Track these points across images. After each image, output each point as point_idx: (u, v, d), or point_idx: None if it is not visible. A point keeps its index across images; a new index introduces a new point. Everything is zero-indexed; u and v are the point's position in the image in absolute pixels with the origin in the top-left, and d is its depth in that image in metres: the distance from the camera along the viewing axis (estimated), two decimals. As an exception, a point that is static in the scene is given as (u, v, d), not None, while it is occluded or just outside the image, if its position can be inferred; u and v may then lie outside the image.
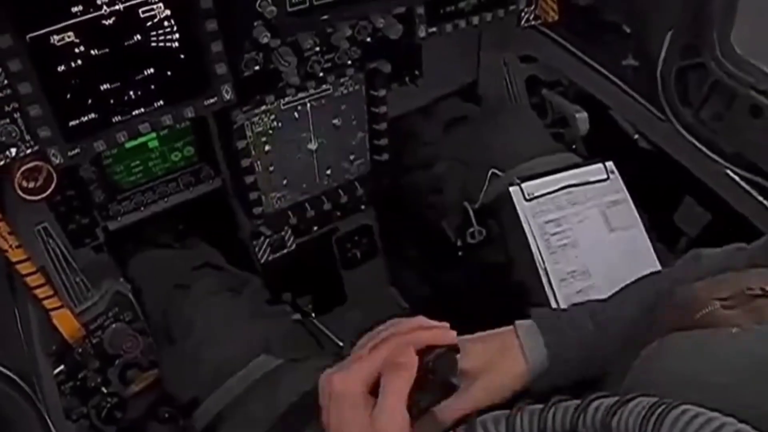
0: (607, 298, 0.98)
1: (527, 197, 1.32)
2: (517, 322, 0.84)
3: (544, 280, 1.30)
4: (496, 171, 1.37)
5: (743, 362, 0.59)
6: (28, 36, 0.91)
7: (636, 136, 1.53)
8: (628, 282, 1.08)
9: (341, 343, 1.33)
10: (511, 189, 1.31)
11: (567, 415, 0.65)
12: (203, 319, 1.25)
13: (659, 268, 1.32)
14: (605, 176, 1.39)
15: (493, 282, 1.40)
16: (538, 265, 1.31)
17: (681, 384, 0.60)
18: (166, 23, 1.03)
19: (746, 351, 0.60)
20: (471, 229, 1.40)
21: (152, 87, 1.06)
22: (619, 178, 1.41)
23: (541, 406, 0.68)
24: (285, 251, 1.40)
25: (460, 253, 1.45)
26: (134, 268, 1.24)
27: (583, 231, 1.36)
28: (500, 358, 0.83)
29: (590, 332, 0.84)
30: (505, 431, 0.69)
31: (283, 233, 1.38)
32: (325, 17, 1.16)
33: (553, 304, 1.28)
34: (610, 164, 1.40)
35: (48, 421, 0.91)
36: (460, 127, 1.57)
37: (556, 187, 1.35)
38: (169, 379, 1.20)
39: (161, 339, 1.22)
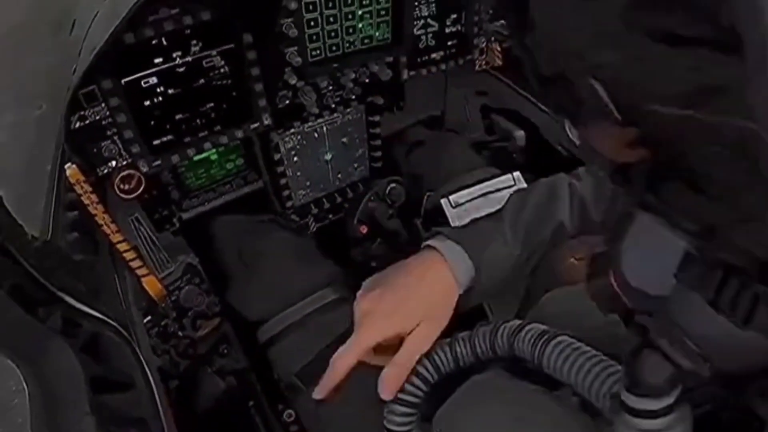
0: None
1: (453, 206, 1.30)
2: (436, 243, 0.69)
3: None
4: (431, 193, 1.32)
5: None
6: (123, 80, 0.93)
7: (560, 148, 1.54)
8: None
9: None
10: (442, 201, 1.29)
11: (486, 337, 0.64)
12: (274, 250, 1.20)
13: None
14: (513, 183, 1.36)
15: None
16: None
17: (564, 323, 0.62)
18: (222, 70, 1.03)
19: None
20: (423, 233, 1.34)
21: (212, 116, 1.06)
22: (525, 183, 1.36)
23: (468, 332, 0.67)
24: (309, 232, 1.38)
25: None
26: (217, 233, 1.21)
27: None
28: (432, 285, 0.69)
29: (507, 238, 0.75)
30: (450, 355, 0.67)
31: (307, 220, 1.36)
32: (336, 65, 1.16)
33: None
34: (516, 174, 1.36)
35: (141, 356, 0.90)
36: (417, 149, 1.53)
37: (475, 196, 1.32)
38: (241, 301, 1.15)
39: (238, 271, 1.18)
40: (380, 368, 0.72)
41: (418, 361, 0.65)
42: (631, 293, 0.47)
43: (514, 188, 1.27)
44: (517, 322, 0.64)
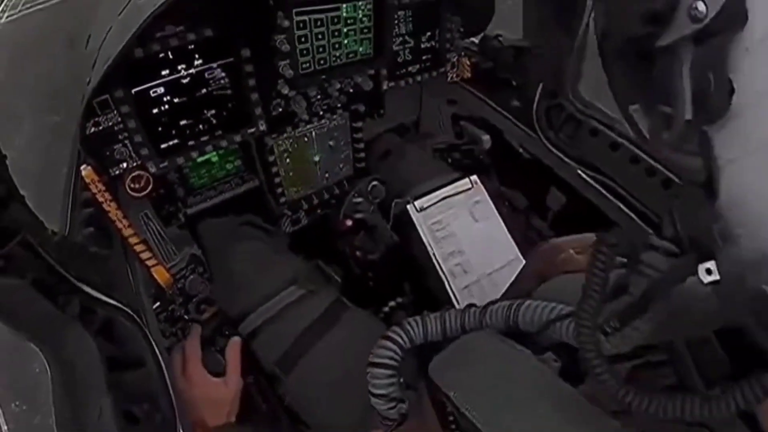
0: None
1: (418, 209, 1.30)
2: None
3: (434, 259, 1.28)
4: (398, 200, 1.33)
5: None
6: (133, 90, 0.94)
7: (521, 150, 1.56)
8: (492, 251, 1.26)
9: (339, 279, 1.32)
10: (408, 206, 1.29)
11: (457, 315, 0.67)
12: (248, 253, 1.20)
13: (511, 241, 1.34)
14: (470, 186, 1.37)
15: (403, 262, 1.39)
16: (429, 250, 1.28)
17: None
18: (222, 81, 1.04)
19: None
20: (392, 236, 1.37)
21: (213, 122, 1.06)
22: (481, 186, 1.38)
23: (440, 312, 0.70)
24: (300, 225, 1.38)
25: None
26: (203, 238, 1.20)
27: (457, 224, 1.33)
28: None
29: None
30: (420, 327, 0.70)
31: (299, 213, 1.37)
32: (324, 77, 1.17)
33: (441, 274, 1.25)
34: (474, 177, 1.38)
35: (150, 338, 0.90)
36: (387, 158, 1.53)
37: (437, 200, 1.33)
38: (223, 296, 1.16)
39: (219, 272, 1.17)
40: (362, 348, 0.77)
41: (392, 330, 0.70)
42: None
43: (472, 191, 1.35)
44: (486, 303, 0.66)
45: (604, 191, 1.34)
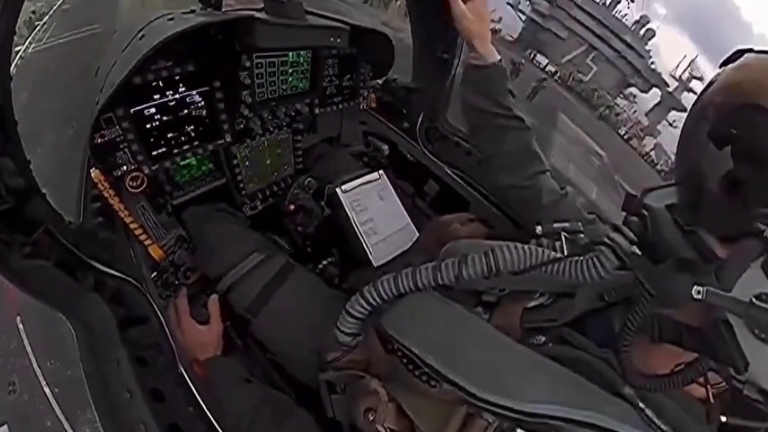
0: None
1: (344, 192, 1.39)
2: None
3: (354, 225, 1.35)
4: (330, 185, 1.40)
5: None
6: (132, 109, 1.00)
7: (408, 155, 1.71)
8: (393, 219, 1.38)
9: (287, 247, 1.42)
10: (337, 189, 1.37)
11: (428, 271, 0.65)
12: (222, 230, 1.24)
13: (404, 213, 1.46)
14: (378, 177, 1.47)
15: (334, 229, 1.44)
16: (351, 219, 1.35)
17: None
18: (199, 104, 1.12)
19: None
20: (326, 210, 1.45)
21: (192, 135, 1.14)
22: (385, 177, 1.48)
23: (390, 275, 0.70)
24: (257, 210, 1.45)
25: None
26: (187, 222, 1.22)
27: (369, 201, 1.42)
28: None
29: None
30: (386, 289, 0.68)
31: (255, 202, 1.44)
32: (274, 103, 1.29)
33: (359, 235, 1.34)
34: (380, 172, 1.48)
35: (151, 300, 0.95)
36: (321, 160, 1.60)
37: (356, 185, 1.42)
38: (204, 264, 1.19)
39: (200, 246, 1.21)
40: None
41: (366, 289, 0.71)
42: None
43: (379, 180, 1.48)
44: (435, 262, 0.66)
45: (462, 182, 1.55)
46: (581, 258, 0.54)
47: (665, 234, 0.49)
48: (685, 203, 0.51)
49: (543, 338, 0.59)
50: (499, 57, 1.02)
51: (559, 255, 0.57)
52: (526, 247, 0.58)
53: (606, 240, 0.53)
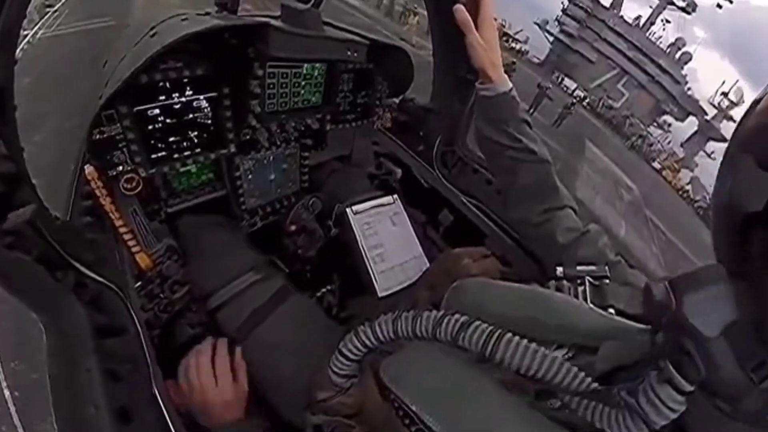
0: None
1: (354, 213, 1.38)
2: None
3: (362, 249, 1.34)
4: (339, 205, 1.40)
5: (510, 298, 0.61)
6: (135, 108, 0.99)
7: (422, 181, 1.68)
8: (403, 248, 1.34)
9: (285, 270, 1.35)
10: (347, 209, 1.37)
11: (429, 322, 0.60)
12: (217, 244, 1.23)
13: (417, 243, 1.43)
14: (392, 201, 1.47)
15: (337, 253, 1.44)
16: (359, 243, 1.34)
17: (477, 310, 0.60)
18: (205, 110, 1.12)
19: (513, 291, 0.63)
20: (333, 230, 1.45)
21: (195, 141, 1.13)
22: (399, 202, 1.47)
23: (390, 314, 0.65)
24: (256, 227, 1.43)
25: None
26: (182, 230, 1.20)
27: (381, 226, 1.41)
28: None
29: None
30: (372, 333, 0.66)
31: (255, 218, 1.41)
32: (283, 116, 1.28)
33: (366, 261, 1.32)
34: (395, 196, 1.47)
35: (132, 310, 0.91)
36: (332, 176, 1.59)
37: (368, 208, 1.41)
38: (196, 279, 1.16)
39: (193, 259, 1.18)
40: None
41: (360, 328, 0.69)
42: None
43: (393, 205, 1.47)
44: (437, 312, 0.62)
45: (478, 213, 1.50)
46: (605, 408, 0.47)
47: (725, 375, 0.40)
48: (747, 326, 0.39)
49: (558, 402, 0.53)
50: (510, 86, 1.01)
51: (572, 374, 0.50)
52: (539, 351, 0.52)
53: (650, 394, 0.43)
